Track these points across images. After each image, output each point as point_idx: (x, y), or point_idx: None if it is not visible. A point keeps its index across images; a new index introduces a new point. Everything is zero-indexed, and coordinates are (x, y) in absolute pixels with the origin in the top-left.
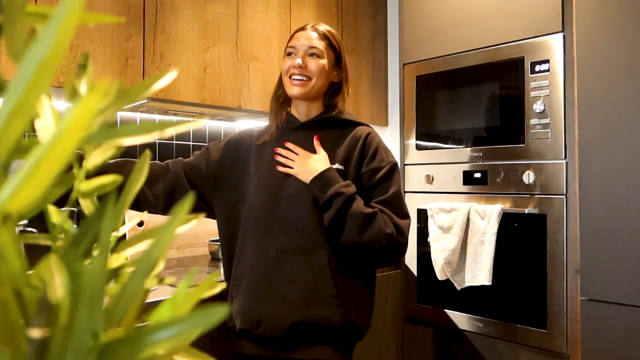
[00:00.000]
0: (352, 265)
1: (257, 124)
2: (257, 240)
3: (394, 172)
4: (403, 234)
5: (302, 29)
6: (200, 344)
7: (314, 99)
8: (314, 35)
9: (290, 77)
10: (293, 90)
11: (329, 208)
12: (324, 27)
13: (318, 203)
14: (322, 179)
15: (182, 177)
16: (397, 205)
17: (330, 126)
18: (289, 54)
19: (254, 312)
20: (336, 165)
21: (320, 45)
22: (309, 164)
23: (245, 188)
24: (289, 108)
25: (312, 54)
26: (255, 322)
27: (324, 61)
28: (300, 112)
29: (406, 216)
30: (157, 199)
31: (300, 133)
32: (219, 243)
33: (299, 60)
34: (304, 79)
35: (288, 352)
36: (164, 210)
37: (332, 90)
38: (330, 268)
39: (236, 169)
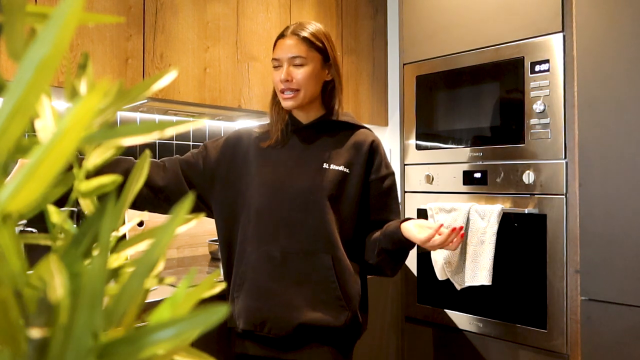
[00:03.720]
0: (353, 268)
1: (257, 123)
2: (260, 240)
3: (395, 183)
4: None
5: (282, 35)
6: (201, 344)
7: (310, 103)
8: (293, 42)
9: (281, 92)
10: (286, 104)
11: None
12: (304, 31)
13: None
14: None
15: (180, 175)
16: None
17: (331, 128)
18: (275, 67)
19: (259, 312)
20: (341, 168)
21: (302, 51)
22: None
23: (244, 187)
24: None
25: (295, 64)
26: (259, 323)
27: (309, 68)
28: (300, 114)
29: None
30: (155, 197)
31: (304, 134)
32: (218, 243)
33: (283, 75)
34: (293, 92)
35: (292, 353)
36: (162, 209)
37: (329, 90)
38: (335, 270)
39: (234, 168)
